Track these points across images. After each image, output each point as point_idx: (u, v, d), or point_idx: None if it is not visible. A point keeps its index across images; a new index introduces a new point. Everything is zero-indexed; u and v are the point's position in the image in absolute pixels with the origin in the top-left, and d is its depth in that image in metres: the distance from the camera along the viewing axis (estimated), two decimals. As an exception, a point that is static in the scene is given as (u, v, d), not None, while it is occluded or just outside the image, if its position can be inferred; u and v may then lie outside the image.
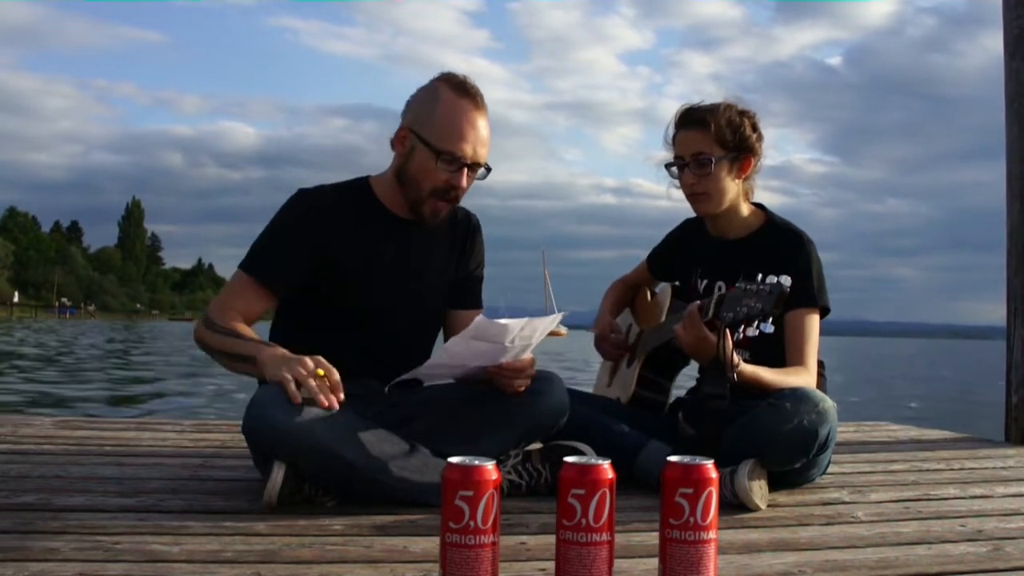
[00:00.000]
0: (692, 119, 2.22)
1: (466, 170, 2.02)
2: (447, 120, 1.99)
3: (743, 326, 1.89)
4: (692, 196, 2.25)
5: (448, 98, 2.01)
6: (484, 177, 2.08)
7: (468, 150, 2.00)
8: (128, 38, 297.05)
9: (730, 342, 1.94)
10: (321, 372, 1.76)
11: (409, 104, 2.08)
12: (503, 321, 1.77)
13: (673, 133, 2.28)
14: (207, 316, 1.99)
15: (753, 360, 2.07)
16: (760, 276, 1.88)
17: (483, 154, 2.04)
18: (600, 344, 2.50)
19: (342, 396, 1.76)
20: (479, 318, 1.80)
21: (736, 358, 1.97)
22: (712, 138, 2.19)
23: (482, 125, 2.03)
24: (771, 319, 1.86)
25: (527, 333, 1.84)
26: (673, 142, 2.28)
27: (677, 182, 2.29)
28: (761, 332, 1.88)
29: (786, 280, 1.85)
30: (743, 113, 2.23)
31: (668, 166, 2.29)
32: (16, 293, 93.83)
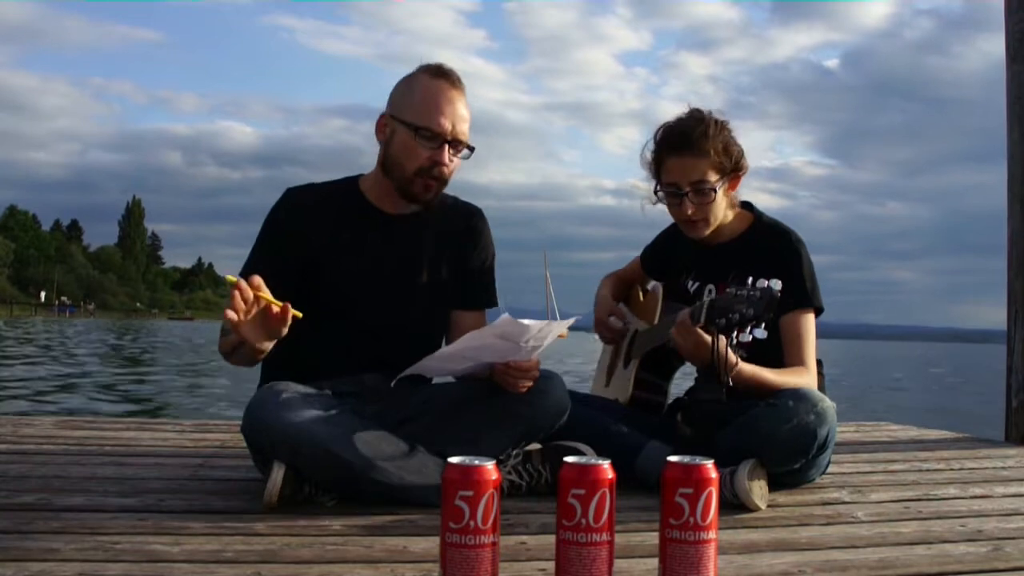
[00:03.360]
0: (687, 144, 2.13)
1: (447, 147, 2.01)
2: (423, 99, 2.00)
3: (736, 331, 1.89)
4: (689, 223, 2.20)
5: (424, 81, 2.03)
6: (468, 157, 2.07)
7: (446, 124, 2.00)
8: (124, 36, 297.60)
9: (723, 346, 1.94)
10: (231, 278, 1.71)
11: (390, 96, 2.09)
12: (526, 322, 1.77)
13: (659, 156, 2.19)
14: (222, 327, 2.00)
15: (750, 362, 2.06)
16: (750, 280, 1.87)
17: (463, 131, 2.03)
18: (599, 327, 2.51)
19: (242, 304, 1.68)
20: (505, 317, 1.79)
21: (734, 357, 1.97)
22: (711, 165, 2.13)
23: (460, 103, 2.03)
24: (764, 324, 1.86)
25: (542, 335, 1.84)
26: (660, 166, 2.19)
27: (653, 201, 2.25)
28: (754, 338, 1.88)
29: (776, 284, 1.84)
30: (723, 127, 2.17)
31: (659, 192, 2.22)
32: (43, 293, 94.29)
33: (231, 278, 1.71)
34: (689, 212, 2.17)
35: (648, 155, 2.23)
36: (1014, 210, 3.39)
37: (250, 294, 1.69)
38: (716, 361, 1.94)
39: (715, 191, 2.16)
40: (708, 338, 1.95)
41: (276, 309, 1.71)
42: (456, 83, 2.04)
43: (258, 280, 1.71)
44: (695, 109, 2.20)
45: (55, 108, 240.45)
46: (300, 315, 1.75)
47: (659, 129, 2.21)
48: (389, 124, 2.05)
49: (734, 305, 1.87)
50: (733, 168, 2.19)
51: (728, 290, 1.91)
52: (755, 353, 2.07)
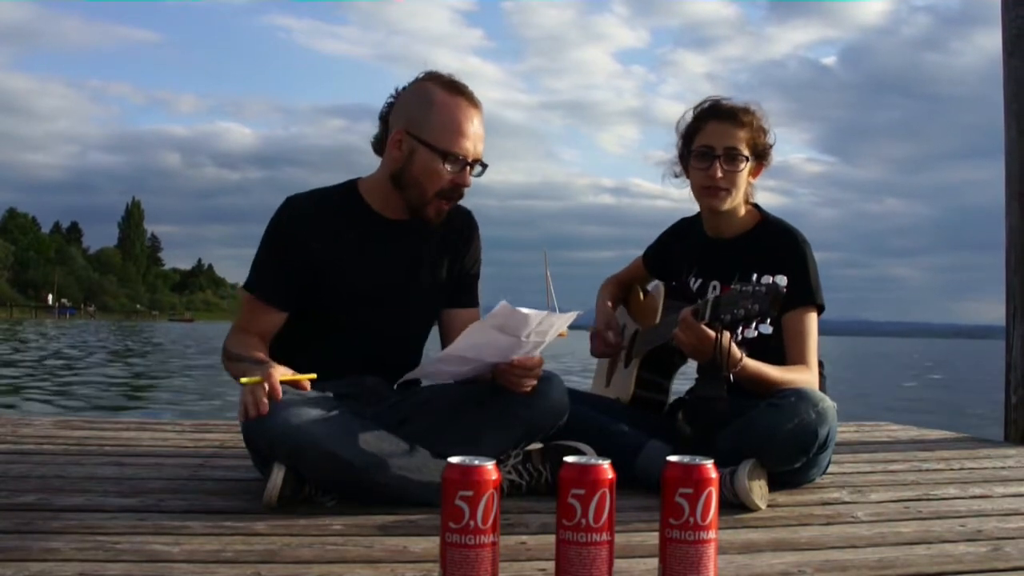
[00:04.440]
0: (730, 114, 2.23)
1: (468, 167, 2.03)
2: (447, 120, 1.99)
3: (741, 327, 1.89)
4: (711, 189, 2.23)
5: (443, 98, 2.00)
6: (480, 174, 2.08)
7: (470, 147, 2.01)
8: (121, 37, 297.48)
9: (727, 341, 1.94)
10: (247, 381, 1.78)
11: (398, 106, 2.06)
12: (524, 311, 1.77)
13: (696, 123, 2.26)
14: (224, 345, 2.02)
15: (752, 358, 2.06)
16: (755, 276, 1.88)
17: (481, 150, 2.05)
18: (597, 339, 2.49)
19: (276, 398, 1.76)
20: (502, 304, 1.79)
21: (739, 353, 1.97)
22: (746, 138, 2.21)
23: (479, 122, 2.03)
24: (769, 320, 1.86)
25: (543, 328, 1.84)
26: (695, 132, 2.26)
27: (675, 172, 2.30)
28: (759, 333, 1.88)
29: (782, 280, 1.84)
30: (763, 117, 2.26)
31: (688, 154, 2.26)
32: (50, 296, 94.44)
33: (251, 380, 1.77)
34: (719, 175, 2.20)
35: (684, 123, 2.30)
36: (1012, 207, 3.39)
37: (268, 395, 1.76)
38: (719, 357, 1.94)
39: (747, 160, 2.21)
40: (711, 334, 1.95)
41: (304, 383, 1.84)
42: (475, 101, 2.03)
43: (280, 371, 1.80)
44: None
45: (53, 110, 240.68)
46: (315, 377, 1.85)
47: (703, 101, 2.29)
48: (406, 141, 2.01)
49: (739, 301, 1.87)
50: (762, 152, 2.25)
51: (733, 286, 1.91)
52: (756, 351, 2.07)
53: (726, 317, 1.89)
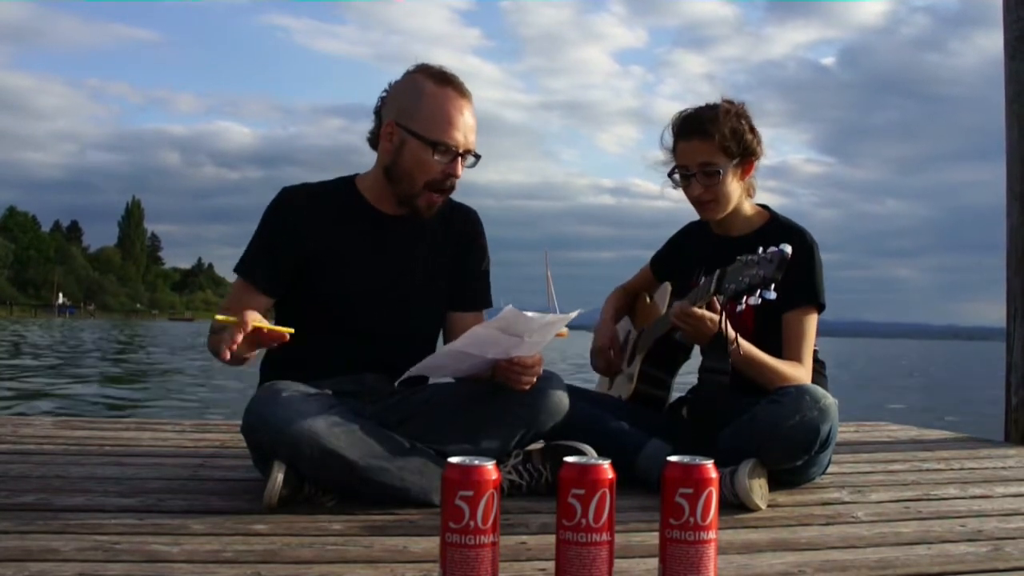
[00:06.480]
0: (695, 129, 2.20)
1: (459, 158, 2.02)
2: (435, 110, 1.99)
3: (745, 296, 1.88)
4: (700, 204, 2.24)
5: (432, 89, 2.00)
6: (473, 165, 2.07)
7: (460, 138, 2.00)
8: (119, 36, 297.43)
9: (726, 322, 1.95)
10: (221, 318, 1.77)
11: (388, 99, 2.06)
12: (529, 314, 1.77)
13: (673, 141, 2.26)
14: (211, 325, 2.01)
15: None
16: (761, 248, 1.88)
17: (473, 141, 2.04)
18: (597, 356, 2.49)
19: (238, 340, 1.72)
20: (509, 308, 1.79)
21: (734, 333, 1.98)
22: (717, 147, 2.17)
23: (469, 112, 2.03)
24: (774, 285, 1.85)
25: (546, 329, 1.84)
26: (674, 150, 2.26)
27: (673, 184, 2.29)
28: (764, 299, 1.87)
29: (787, 247, 1.85)
30: (740, 115, 2.22)
31: (671, 174, 2.27)
32: (60, 295, 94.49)
33: (226, 319, 1.76)
34: (697, 193, 2.22)
35: (666, 142, 2.30)
36: (1013, 207, 3.39)
37: (243, 335, 1.73)
38: (723, 330, 1.95)
39: (720, 172, 2.19)
40: (705, 313, 1.97)
41: (279, 334, 1.79)
42: (464, 92, 2.03)
43: (255, 315, 1.76)
44: (725, 100, 2.25)
45: (52, 109, 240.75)
46: (292, 331, 1.81)
47: (674, 117, 2.28)
48: (396, 133, 2.01)
49: (744, 270, 1.89)
50: (742, 152, 2.21)
51: (739, 258, 1.92)
52: (755, 344, 2.07)
53: (731, 287, 1.90)
